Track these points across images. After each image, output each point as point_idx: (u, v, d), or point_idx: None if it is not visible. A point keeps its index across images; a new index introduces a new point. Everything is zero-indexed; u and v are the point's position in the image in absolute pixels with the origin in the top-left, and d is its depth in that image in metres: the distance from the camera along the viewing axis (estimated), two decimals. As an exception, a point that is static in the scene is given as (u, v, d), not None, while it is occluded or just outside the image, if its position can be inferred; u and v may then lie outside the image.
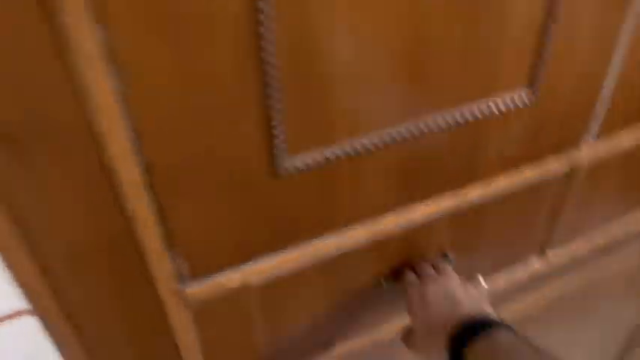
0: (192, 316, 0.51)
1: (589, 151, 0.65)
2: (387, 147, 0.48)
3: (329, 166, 0.47)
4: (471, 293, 0.55)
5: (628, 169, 0.74)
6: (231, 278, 0.50)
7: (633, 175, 0.76)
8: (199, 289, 0.49)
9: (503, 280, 0.77)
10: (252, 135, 0.41)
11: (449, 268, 0.60)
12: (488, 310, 0.53)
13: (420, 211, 0.57)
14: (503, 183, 0.61)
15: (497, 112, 0.52)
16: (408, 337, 0.59)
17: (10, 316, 0.43)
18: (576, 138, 0.63)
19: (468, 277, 0.60)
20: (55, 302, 0.43)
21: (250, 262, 0.50)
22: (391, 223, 0.56)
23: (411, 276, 0.60)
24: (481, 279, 0.60)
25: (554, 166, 0.64)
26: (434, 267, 0.60)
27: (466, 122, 0.51)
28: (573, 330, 1.11)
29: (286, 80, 0.39)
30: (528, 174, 0.62)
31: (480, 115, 0.51)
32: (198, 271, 0.48)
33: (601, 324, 1.17)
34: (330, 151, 0.46)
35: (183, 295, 0.49)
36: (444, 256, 0.64)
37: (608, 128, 0.64)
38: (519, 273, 0.78)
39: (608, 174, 0.72)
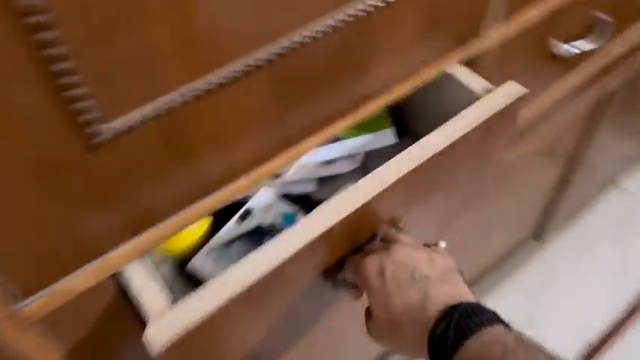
0: (47, 335, 0.40)
1: (496, 35, 0.56)
2: (249, 76, 0.37)
3: (172, 117, 0.35)
4: (438, 266, 0.44)
5: (535, 46, 0.66)
6: (80, 281, 0.39)
7: (539, 52, 0.69)
8: (42, 302, 0.38)
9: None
10: (36, 103, 0.28)
11: (402, 236, 0.49)
12: (466, 291, 0.43)
13: (313, 143, 0.47)
14: (404, 91, 0.52)
15: (383, 5, 0.41)
16: (368, 322, 0.47)
17: None
18: (478, 23, 0.53)
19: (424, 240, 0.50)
20: None
21: (102, 257, 0.39)
22: (280, 165, 0.46)
23: (354, 258, 0.48)
24: (443, 244, 0.49)
25: (457, 60, 0.55)
26: (383, 240, 0.49)
27: (346, 25, 0.40)
28: (491, 213, 1.09)
29: (64, 13, 0.26)
30: (430, 74, 0.53)
31: (361, 13, 0.40)
32: (34, 284, 0.37)
33: (518, 199, 1.17)
34: (167, 100, 0.33)
35: (21, 316, 0.37)
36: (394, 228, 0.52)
37: (513, 7, 0.55)
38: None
39: (515, 55, 0.64)
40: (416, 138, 0.50)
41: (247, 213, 0.60)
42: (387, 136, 0.62)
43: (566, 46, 0.69)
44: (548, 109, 0.83)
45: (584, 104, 0.96)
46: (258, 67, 0.36)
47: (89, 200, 0.34)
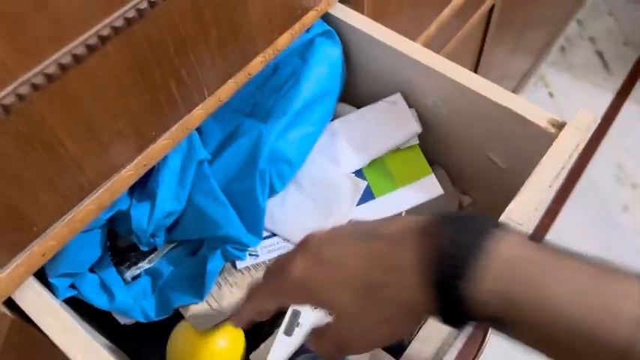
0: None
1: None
2: (91, 57, 0.31)
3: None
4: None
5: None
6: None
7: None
8: None
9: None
10: None
11: None
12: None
13: (201, 114, 0.41)
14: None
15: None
16: (329, 332, 0.32)
17: None
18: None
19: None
20: None
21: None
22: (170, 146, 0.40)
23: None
24: None
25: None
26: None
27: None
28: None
29: None
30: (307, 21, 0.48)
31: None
32: None
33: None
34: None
35: None
36: None
37: None
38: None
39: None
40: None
41: (294, 317, 0.48)
42: (430, 186, 0.51)
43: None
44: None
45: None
46: (92, 48, 0.31)
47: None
